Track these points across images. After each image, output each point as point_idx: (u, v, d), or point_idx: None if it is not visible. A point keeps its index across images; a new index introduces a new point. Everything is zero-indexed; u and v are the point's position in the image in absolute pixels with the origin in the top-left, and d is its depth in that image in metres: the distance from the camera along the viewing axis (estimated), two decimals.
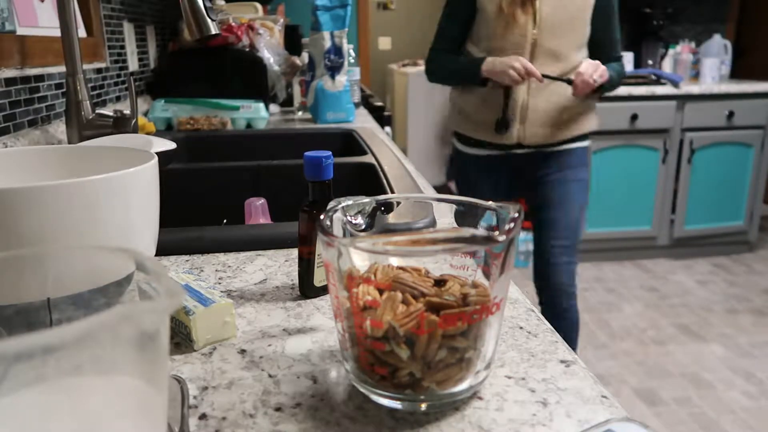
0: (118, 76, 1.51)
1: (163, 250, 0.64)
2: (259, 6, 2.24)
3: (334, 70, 1.61)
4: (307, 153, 0.53)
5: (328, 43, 1.58)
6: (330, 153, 0.53)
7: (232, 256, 0.65)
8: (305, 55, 1.74)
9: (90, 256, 0.35)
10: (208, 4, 1.06)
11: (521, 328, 0.48)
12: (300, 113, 1.85)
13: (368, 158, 1.11)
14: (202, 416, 0.37)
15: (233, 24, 1.68)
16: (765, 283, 2.95)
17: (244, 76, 1.65)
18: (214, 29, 1.06)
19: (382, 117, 2.09)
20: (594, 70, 1.54)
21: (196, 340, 0.45)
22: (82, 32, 1.27)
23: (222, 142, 1.41)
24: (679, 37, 3.74)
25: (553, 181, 1.72)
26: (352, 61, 2.05)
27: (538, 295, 1.78)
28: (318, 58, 1.61)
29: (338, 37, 1.59)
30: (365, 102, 2.18)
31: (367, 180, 1.05)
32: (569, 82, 1.56)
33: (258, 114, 1.53)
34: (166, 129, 1.49)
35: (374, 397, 0.39)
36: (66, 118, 1.03)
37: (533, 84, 1.59)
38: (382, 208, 0.44)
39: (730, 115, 3.04)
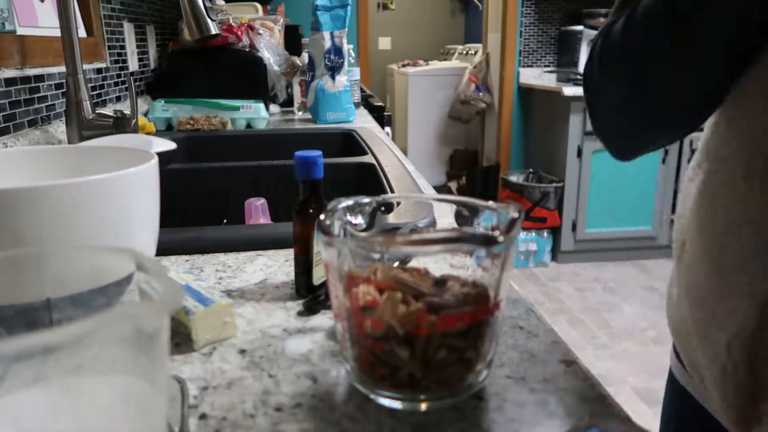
0: (118, 76, 1.51)
1: (163, 250, 0.64)
2: (259, 6, 2.25)
3: (334, 70, 1.60)
4: (297, 152, 0.53)
5: (328, 43, 1.58)
6: (320, 152, 0.53)
7: (232, 256, 0.65)
8: (305, 55, 1.74)
9: (90, 256, 0.35)
10: (208, 4, 1.06)
11: (521, 328, 0.48)
12: (300, 113, 1.85)
13: (368, 158, 1.11)
14: (202, 416, 0.37)
15: (233, 24, 1.68)
16: None
17: (244, 76, 1.65)
18: (214, 29, 1.06)
19: (382, 117, 2.09)
20: None
21: (196, 340, 0.45)
22: (82, 32, 1.27)
23: (222, 142, 1.41)
24: None
25: None
26: (352, 61, 2.05)
27: None
28: (318, 58, 1.61)
29: (338, 37, 1.58)
30: (365, 102, 2.18)
31: (367, 180, 1.05)
32: None
33: (258, 114, 1.53)
34: (166, 129, 1.49)
35: (374, 397, 0.39)
36: (66, 118, 1.03)
37: None
38: (382, 208, 0.44)
39: None
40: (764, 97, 0.40)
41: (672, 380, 0.60)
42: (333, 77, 1.61)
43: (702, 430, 0.52)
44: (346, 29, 1.60)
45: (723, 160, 0.44)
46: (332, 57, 1.59)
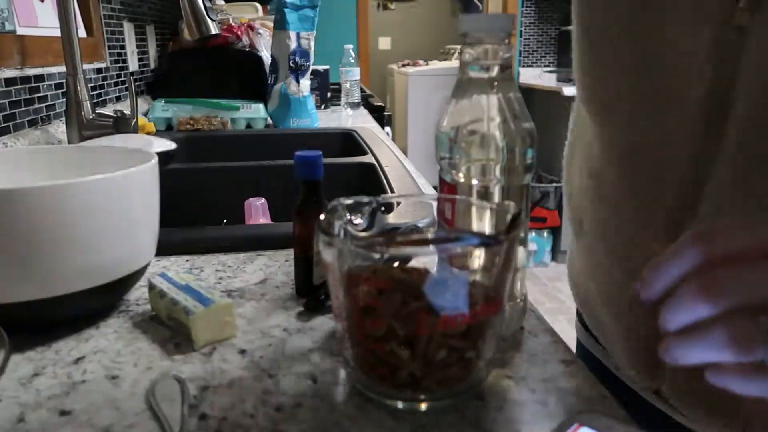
0: (118, 76, 1.51)
1: (163, 250, 0.64)
2: (259, 6, 2.25)
3: (298, 72, 1.52)
4: (297, 153, 0.53)
5: (293, 44, 1.50)
6: (320, 152, 0.53)
7: (232, 256, 0.65)
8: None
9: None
10: (208, 4, 1.06)
11: (521, 328, 0.48)
12: None
13: (368, 158, 1.11)
14: (202, 416, 0.37)
15: (233, 24, 1.68)
16: None
17: (244, 76, 1.65)
18: (214, 29, 1.06)
19: (382, 117, 2.09)
20: None
21: (196, 340, 0.45)
22: (82, 32, 1.27)
23: (222, 142, 1.41)
24: None
25: None
26: (352, 61, 2.05)
27: None
28: (282, 59, 1.53)
29: (305, 38, 1.51)
30: (365, 102, 2.18)
31: (367, 180, 1.05)
32: None
33: (258, 114, 1.53)
34: (166, 129, 1.49)
35: (374, 397, 0.39)
36: (66, 118, 1.03)
37: None
38: (382, 208, 0.44)
39: None
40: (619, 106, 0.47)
41: (579, 346, 0.67)
42: (297, 80, 1.52)
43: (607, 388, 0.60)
44: (314, 32, 1.53)
45: (601, 150, 0.51)
46: (297, 59, 1.51)
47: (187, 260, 0.64)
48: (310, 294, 0.54)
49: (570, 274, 0.62)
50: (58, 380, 0.41)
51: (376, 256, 0.39)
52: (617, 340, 0.52)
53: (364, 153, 1.18)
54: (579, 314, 0.65)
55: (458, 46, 5.13)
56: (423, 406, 0.38)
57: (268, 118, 1.57)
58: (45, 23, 1.10)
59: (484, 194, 0.43)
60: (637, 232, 0.47)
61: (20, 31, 0.99)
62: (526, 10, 3.66)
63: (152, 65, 1.84)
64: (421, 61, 4.76)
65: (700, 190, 0.42)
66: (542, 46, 3.76)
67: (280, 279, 0.58)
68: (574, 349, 0.47)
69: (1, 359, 0.36)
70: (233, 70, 1.65)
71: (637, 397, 0.54)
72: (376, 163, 1.07)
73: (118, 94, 1.50)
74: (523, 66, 3.75)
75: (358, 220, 0.42)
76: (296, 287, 0.55)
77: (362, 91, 2.17)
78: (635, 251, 0.47)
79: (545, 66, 3.78)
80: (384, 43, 5.77)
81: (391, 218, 0.66)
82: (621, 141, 0.47)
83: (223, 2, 2.06)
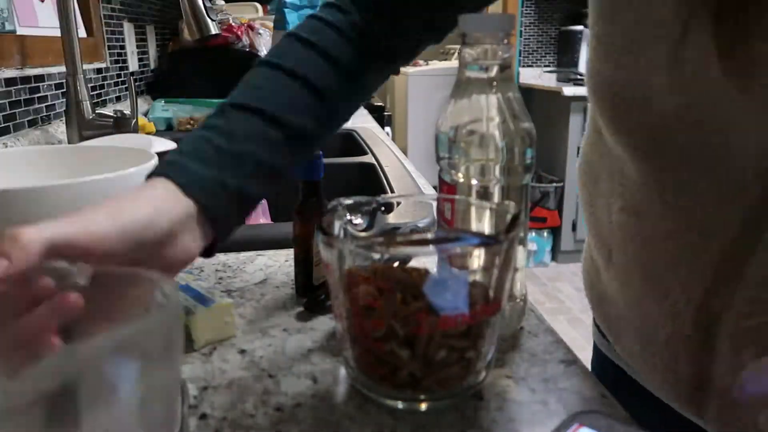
0: (118, 76, 1.51)
1: None
2: (259, 6, 2.25)
3: None
4: None
5: None
6: (320, 152, 0.53)
7: (232, 256, 0.65)
8: None
9: None
10: (208, 4, 1.06)
11: (521, 328, 0.48)
12: None
13: (368, 158, 1.11)
14: (202, 416, 0.37)
15: (233, 24, 1.68)
16: None
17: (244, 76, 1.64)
18: (214, 29, 1.07)
19: (382, 117, 2.09)
20: None
21: (196, 340, 0.45)
22: (82, 32, 1.27)
23: None
24: None
25: None
26: None
27: None
28: None
29: None
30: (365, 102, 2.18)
31: (367, 180, 1.05)
32: None
33: None
34: (166, 129, 1.49)
35: (374, 397, 0.39)
36: (66, 118, 1.03)
37: None
38: (382, 208, 0.44)
39: None
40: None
41: (598, 353, 0.62)
42: None
43: (631, 394, 0.54)
44: None
45: (639, 184, 0.46)
46: None
47: None
48: (310, 294, 0.54)
49: (592, 295, 0.58)
50: None
51: (376, 256, 0.39)
52: (651, 370, 0.49)
53: (364, 153, 1.18)
54: (596, 324, 0.61)
55: (458, 46, 5.13)
56: (423, 406, 0.38)
57: None
58: (45, 23, 1.10)
59: (484, 194, 0.43)
60: (680, 273, 0.43)
61: (20, 31, 0.99)
62: (526, 10, 3.66)
63: (152, 65, 1.84)
64: (421, 61, 4.76)
65: (757, 238, 0.39)
66: (542, 46, 3.76)
67: (280, 279, 0.58)
68: (574, 349, 0.47)
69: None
70: (233, 70, 1.64)
71: (653, 400, 0.52)
72: (376, 163, 1.07)
73: (118, 94, 1.50)
74: (523, 66, 3.75)
75: (358, 220, 0.42)
76: (296, 287, 0.55)
77: None
78: (678, 291, 0.44)
79: (545, 66, 3.78)
80: None
81: (391, 218, 0.66)
82: (668, 178, 0.43)
83: (223, 2, 2.06)
